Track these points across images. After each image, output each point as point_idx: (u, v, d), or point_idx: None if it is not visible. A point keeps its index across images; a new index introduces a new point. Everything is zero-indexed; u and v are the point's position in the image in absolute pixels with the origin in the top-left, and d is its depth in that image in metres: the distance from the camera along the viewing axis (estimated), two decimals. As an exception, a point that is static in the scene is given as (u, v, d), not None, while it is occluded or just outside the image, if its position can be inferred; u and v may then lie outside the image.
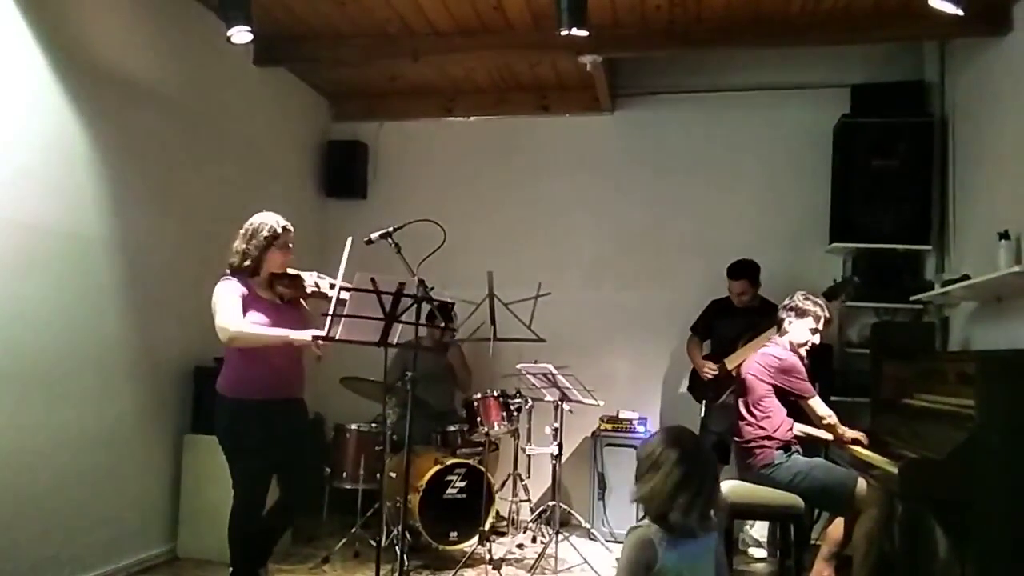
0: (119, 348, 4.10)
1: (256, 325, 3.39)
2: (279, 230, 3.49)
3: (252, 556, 3.58)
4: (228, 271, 3.49)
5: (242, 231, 3.52)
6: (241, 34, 3.99)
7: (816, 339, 3.99)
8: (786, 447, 3.83)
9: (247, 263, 3.46)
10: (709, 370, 4.95)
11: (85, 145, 3.85)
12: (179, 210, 4.51)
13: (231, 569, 3.57)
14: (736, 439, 3.99)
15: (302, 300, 3.66)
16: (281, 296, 3.55)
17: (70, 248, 3.77)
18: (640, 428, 5.32)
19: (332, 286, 3.46)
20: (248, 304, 3.41)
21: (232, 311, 3.34)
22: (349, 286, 3.29)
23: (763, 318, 4.63)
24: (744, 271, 5.00)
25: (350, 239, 3.37)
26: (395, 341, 3.44)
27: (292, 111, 5.88)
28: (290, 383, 3.57)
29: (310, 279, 3.64)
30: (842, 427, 3.91)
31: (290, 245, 3.54)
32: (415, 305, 3.40)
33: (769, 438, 3.80)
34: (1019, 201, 3.95)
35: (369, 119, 6.28)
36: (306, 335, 3.37)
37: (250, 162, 5.24)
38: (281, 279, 3.55)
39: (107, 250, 4.00)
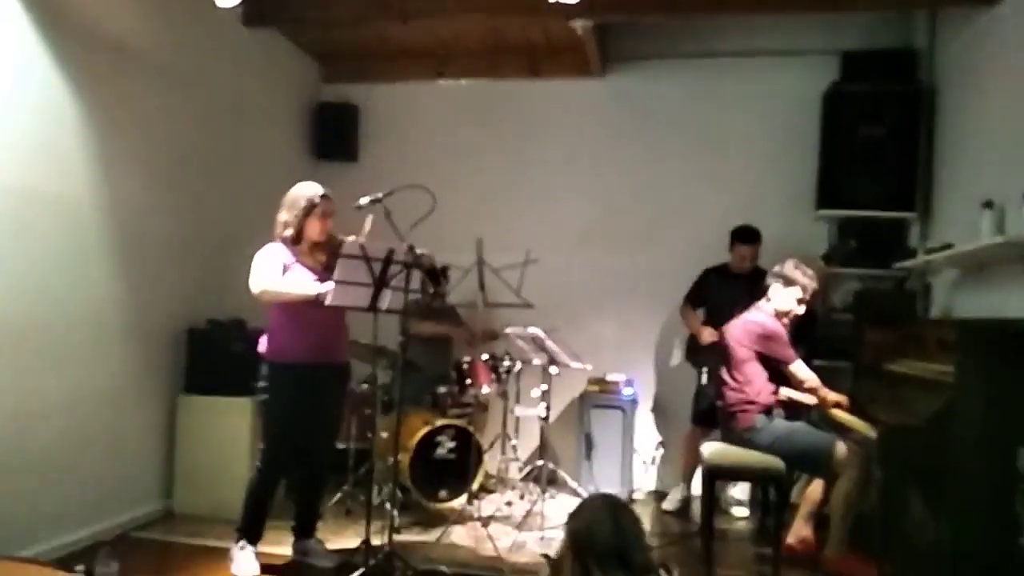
0: (111, 310, 4.14)
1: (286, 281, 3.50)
2: (317, 199, 3.58)
3: (260, 522, 3.68)
4: (276, 239, 3.61)
5: (284, 201, 3.62)
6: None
7: (801, 310, 4.04)
8: (767, 411, 3.92)
9: (288, 232, 3.58)
10: (709, 335, 4.94)
11: (73, 108, 3.84)
12: (168, 173, 4.51)
13: (238, 529, 3.67)
14: (719, 403, 4.08)
15: None
16: (322, 263, 3.63)
17: (59, 211, 3.79)
18: (626, 390, 5.41)
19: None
20: (290, 271, 3.54)
21: (265, 271, 3.49)
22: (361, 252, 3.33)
23: (758, 284, 4.63)
24: (756, 236, 5.01)
25: (371, 217, 3.52)
26: (386, 307, 3.49)
27: (282, 73, 5.84)
28: (331, 347, 3.69)
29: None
30: (824, 390, 3.97)
31: (329, 213, 3.63)
32: (405, 270, 3.46)
33: (751, 402, 3.88)
34: (1003, 171, 3.98)
35: (359, 81, 6.24)
36: (325, 286, 3.42)
37: (240, 124, 5.22)
38: (322, 247, 3.64)
39: (97, 213, 4.01)
